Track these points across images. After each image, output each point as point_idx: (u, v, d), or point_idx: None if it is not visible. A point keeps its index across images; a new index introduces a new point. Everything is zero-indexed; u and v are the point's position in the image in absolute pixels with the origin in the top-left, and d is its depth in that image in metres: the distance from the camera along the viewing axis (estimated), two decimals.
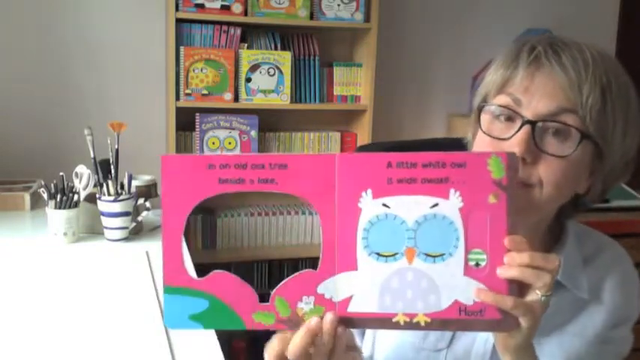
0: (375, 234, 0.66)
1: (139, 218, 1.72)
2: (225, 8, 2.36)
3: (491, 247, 0.65)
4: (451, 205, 0.65)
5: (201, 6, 2.34)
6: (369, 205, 0.66)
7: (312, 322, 0.66)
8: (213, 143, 2.46)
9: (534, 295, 0.65)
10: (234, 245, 2.62)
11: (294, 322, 0.67)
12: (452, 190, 0.65)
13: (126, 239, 1.66)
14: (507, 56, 0.82)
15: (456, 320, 0.65)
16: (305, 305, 0.66)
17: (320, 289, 0.66)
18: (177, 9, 2.31)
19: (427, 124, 2.94)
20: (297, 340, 0.66)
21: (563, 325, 0.88)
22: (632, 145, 0.83)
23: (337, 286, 0.66)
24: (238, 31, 2.44)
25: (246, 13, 2.40)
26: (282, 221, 2.64)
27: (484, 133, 0.82)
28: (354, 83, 2.62)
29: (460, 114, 2.93)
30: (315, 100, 2.57)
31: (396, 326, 0.66)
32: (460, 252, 0.65)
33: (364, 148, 1.57)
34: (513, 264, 0.64)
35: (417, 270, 0.65)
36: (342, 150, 2.63)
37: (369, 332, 0.96)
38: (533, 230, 0.86)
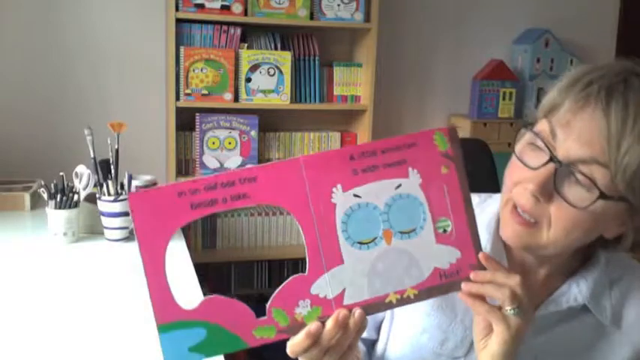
0: (353, 225, 0.69)
1: None
2: (225, 8, 2.36)
3: (453, 213, 0.71)
4: (412, 182, 0.70)
5: (201, 6, 2.34)
6: (342, 199, 0.69)
7: (313, 327, 0.67)
8: (213, 143, 2.46)
9: (504, 311, 0.72)
10: (234, 245, 2.62)
11: (295, 329, 0.68)
12: (410, 169, 0.70)
13: (126, 239, 1.66)
14: (567, 80, 0.78)
15: (438, 286, 0.71)
16: (302, 309, 0.68)
17: (313, 290, 0.68)
18: (177, 9, 2.31)
19: (427, 124, 2.94)
20: (298, 341, 0.68)
21: (584, 351, 0.85)
22: None
23: (329, 284, 0.68)
24: (238, 31, 2.44)
25: (246, 13, 2.40)
26: (282, 221, 2.64)
27: (515, 155, 0.80)
28: (354, 83, 2.62)
29: (460, 114, 2.93)
30: (315, 100, 2.57)
31: (390, 306, 0.70)
32: (429, 223, 0.71)
33: None
34: (477, 280, 0.72)
35: (396, 249, 0.70)
36: None
37: (384, 327, 0.96)
38: (558, 254, 0.82)
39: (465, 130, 2.81)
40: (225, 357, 1.07)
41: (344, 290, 0.68)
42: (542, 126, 0.78)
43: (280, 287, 0.68)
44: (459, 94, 2.93)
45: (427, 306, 0.88)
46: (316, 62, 2.55)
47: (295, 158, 0.68)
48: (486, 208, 0.89)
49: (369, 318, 0.95)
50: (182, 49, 2.36)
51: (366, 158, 0.69)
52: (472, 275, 0.72)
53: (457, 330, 0.87)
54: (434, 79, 2.92)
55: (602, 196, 0.72)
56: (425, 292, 0.71)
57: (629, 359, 0.85)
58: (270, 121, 2.61)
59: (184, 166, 2.50)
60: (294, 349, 0.68)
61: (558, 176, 0.74)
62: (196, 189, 0.66)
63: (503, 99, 2.83)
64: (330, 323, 0.68)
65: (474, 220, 0.72)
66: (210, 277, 2.57)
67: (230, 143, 2.48)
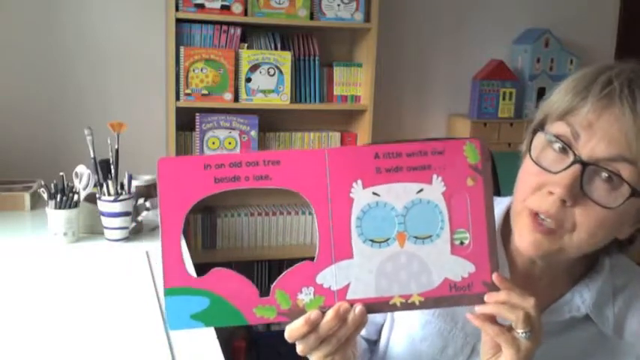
0: (368, 222, 0.69)
1: (139, 218, 1.72)
2: (225, 8, 2.36)
3: (473, 226, 0.70)
4: (435, 189, 0.70)
5: (201, 6, 2.34)
6: (361, 195, 0.69)
7: (313, 315, 0.68)
8: (213, 143, 2.46)
9: (515, 333, 0.70)
10: (234, 245, 2.62)
11: (295, 314, 0.69)
12: (434, 176, 0.70)
13: (126, 239, 1.66)
14: (580, 81, 0.76)
15: (447, 297, 0.70)
16: (305, 296, 0.69)
17: (319, 279, 0.69)
18: (177, 9, 2.31)
19: (427, 124, 2.94)
20: (296, 326, 0.69)
21: None
22: None
23: (335, 275, 0.69)
24: (238, 31, 2.44)
25: (246, 13, 2.40)
26: (282, 221, 2.64)
27: (532, 160, 0.77)
28: (354, 83, 2.62)
29: (460, 114, 2.94)
30: (315, 100, 2.57)
31: (393, 308, 0.70)
32: (446, 232, 0.70)
33: None
34: (491, 301, 0.70)
35: (408, 253, 0.69)
36: None
37: (384, 332, 0.96)
38: (555, 260, 0.82)
39: (464, 130, 2.81)
40: (226, 356, 1.08)
41: (349, 284, 0.69)
42: (559, 128, 0.76)
43: (287, 271, 0.69)
44: (459, 94, 2.93)
45: (427, 313, 0.88)
46: (316, 62, 2.55)
47: (321, 149, 0.69)
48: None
49: (370, 319, 0.95)
50: (182, 49, 2.36)
51: (391, 159, 0.69)
52: (486, 297, 0.70)
53: (457, 337, 0.86)
54: (434, 79, 2.92)
55: (635, 193, 0.71)
56: (431, 300, 0.70)
57: None
58: (270, 121, 2.61)
59: None
60: (292, 334, 0.69)
61: (585, 177, 0.72)
62: (222, 164, 0.68)
63: (503, 99, 2.83)
64: (329, 314, 0.68)
65: (494, 237, 0.70)
66: None
67: (230, 143, 2.48)
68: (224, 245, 2.60)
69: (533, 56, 2.85)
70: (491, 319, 0.71)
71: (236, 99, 2.45)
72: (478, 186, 0.70)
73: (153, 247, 1.61)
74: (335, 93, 2.62)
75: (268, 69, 2.44)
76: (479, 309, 0.70)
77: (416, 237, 0.69)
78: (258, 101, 2.46)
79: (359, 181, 0.69)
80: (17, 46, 2.39)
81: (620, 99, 0.72)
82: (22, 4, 2.37)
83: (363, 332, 0.97)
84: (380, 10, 2.52)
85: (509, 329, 0.70)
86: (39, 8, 2.39)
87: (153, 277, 1.38)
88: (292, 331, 0.69)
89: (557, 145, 0.75)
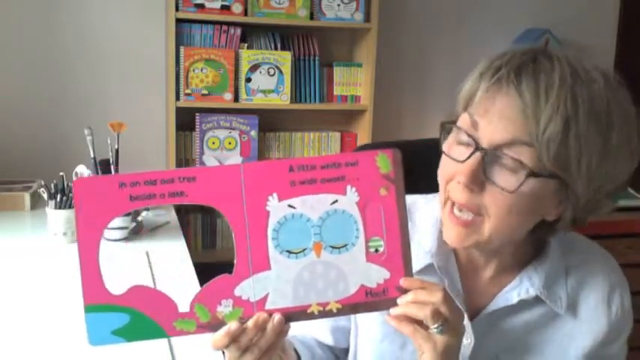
0: (284, 234, 0.70)
1: (139, 218, 1.72)
2: (225, 8, 2.36)
3: (387, 234, 0.72)
4: (349, 200, 0.71)
5: (201, 6, 2.34)
6: (276, 208, 0.70)
7: (232, 326, 0.69)
8: (213, 143, 2.46)
9: (430, 330, 0.71)
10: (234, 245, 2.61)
11: (215, 326, 0.70)
12: (348, 187, 0.71)
13: (126, 239, 1.66)
14: (478, 69, 0.79)
15: (364, 303, 0.72)
16: (224, 308, 0.70)
17: (237, 292, 0.70)
18: (177, 9, 2.31)
19: (427, 124, 2.94)
20: (218, 337, 0.70)
21: (541, 343, 0.85)
22: (612, 176, 0.76)
23: (253, 287, 0.70)
24: (238, 31, 2.44)
25: (246, 13, 2.40)
26: None
27: (444, 152, 0.80)
28: (354, 83, 2.62)
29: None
30: (315, 100, 2.57)
31: (311, 316, 0.72)
32: (361, 241, 0.71)
33: (364, 148, 1.57)
34: (402, 303, 0.71)
35: (325, 262, 0.71)
36: (342, 150, 2.64)
37: (352, 338, 0.96)
38: (504, 245, 0.83)
39: None
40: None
41: (267, 295, 0.70)
42: (463, 119, 0.79)
43: (205, 285, 0.71)
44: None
45: (382, 314, 0.89)
46: (316, 62, 2.55)
47: (236, 164, 0.70)
48: (435, 206, 0.88)
49: (337, 326, 0.96)
50: (182, 49, 2.36)
51: (305, 171, 0.70)
52: (398, 300, 0.72)
53: None
54: (434, 79, 2.92)
55: (532, 174, 0.73)
56: (349, 307, 0.72)
57: (590, 347, 0.85)
58: (270, 121, 2.61)
59: (184, 166, 2.49)
60: (215, 344, 0.71)
61: (487, 164, 0.74)
62: (137, 182, 0.68)
63: None
64: (248, 325, 0.70)
65: (407, 243, 0.72)
66: (210, 277, 2.57)
67: (230, 143, 2.48)
68: (224, 245, 2.60)
69: None
70: (409, 320, 0.72)
71: (236, 99, 2.45)
72: (391, 195, 0.71)
73: (153, 247, 1.61)
74: (335, 93, 2.62)
75: (268, 69, 2.44)
76: (392, 311, 0.72)
77: (332, 246, 0.71)
78: (258, 101, 2.46)
79: (274, 195, 0.70)
80: (17, 46, 2.39)
81: (507, 82, 0.74)
82: (22, 4, 2.37)
83: (331, 341, 0.98)
84: (380, 10, 2.52)
85: (426, 327, 0.71)
86: (39, 8, 2.39)
87: (153, 277, 1.38)
88: (215, 342, 0.70)
89: (462, 136, 0.78)
